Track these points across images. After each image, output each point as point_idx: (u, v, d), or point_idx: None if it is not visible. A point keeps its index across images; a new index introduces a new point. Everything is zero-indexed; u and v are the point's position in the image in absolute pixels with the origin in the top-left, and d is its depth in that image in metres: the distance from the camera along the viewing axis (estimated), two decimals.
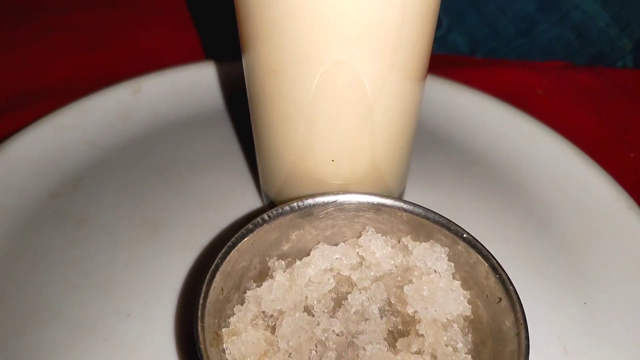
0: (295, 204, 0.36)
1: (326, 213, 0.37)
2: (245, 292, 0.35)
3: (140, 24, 0.75)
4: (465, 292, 0.35)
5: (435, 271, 0.36)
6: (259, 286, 0.35)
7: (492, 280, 0.34)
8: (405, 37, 0.32)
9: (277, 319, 0.34)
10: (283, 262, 0.36)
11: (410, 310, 0.34)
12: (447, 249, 0.36)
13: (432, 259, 0.36)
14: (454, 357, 0.32)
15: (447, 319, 0.34)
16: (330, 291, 0.36)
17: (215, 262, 0.33)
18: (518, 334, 0.31)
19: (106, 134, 0.56)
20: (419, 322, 0.34)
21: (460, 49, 0.80)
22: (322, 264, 0.36)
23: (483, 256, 0.34)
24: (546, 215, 0.49)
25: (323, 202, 0.37)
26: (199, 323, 0.31)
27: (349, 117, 0.36)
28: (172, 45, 0.74)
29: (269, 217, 0.36)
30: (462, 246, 0.35)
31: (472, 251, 0.35)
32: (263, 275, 0.37)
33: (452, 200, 0.49)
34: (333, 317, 0.34)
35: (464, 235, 0.35)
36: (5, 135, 0.53)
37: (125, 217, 0.48)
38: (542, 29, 0.74)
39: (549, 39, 0.75)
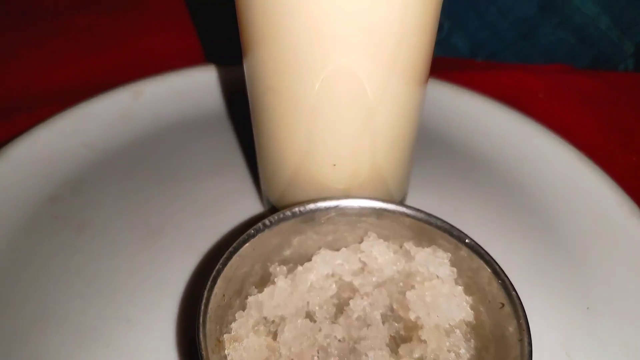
0: (296, 209, 0.36)
1: (328, 218, 0.37)
2: (246, 298, 0.35)
3: (141, 28, 0.75)
4: (467, 298, 0.35)
5: (438, 277, 0.36)
6: (260, 292, 0.35)
7: (494, 285, 0.33)
8: (407, 41, 0.32)
9: (279, 324, 0.34)
10: (285, 268, 0.36)
11: (412, 316, 0.34)
12: (449, 255, 0.36)
13: (435, 264, 0.36)
14: None
15: (450, 325, 0.34)
16: (332, 297, 0.35)
17: (217, 267, 0.33)
18: (521, 340, 0.31)
19: (107, 137, 0.55)
20: (422, 327, 0.33)
21: (461, 52, 0.79)
22: (324, 270, 0.36)
23: (486, 261, 0.34)
24: (549, 219, 0.49)
25: (325, 207, 0.37)
26: (201, 329, 0.31)
27: (350, 121, 0.36)
28: (173, 49, 0.73)
29: (271, 222, 0.36)
30: (464, 251, 0.35)
31: (474, 256, 0.35)
32: (264, 280, 0.36)
33: (454, 205, 0.49)
34: (335, 323, 0.34)
35: (467, 241, 0.35)
36: (6, 139, 0.53)
37: (125, 222, 0.47)
38: (543, 32, 0.74)
39: (550, 42, 0.74)
